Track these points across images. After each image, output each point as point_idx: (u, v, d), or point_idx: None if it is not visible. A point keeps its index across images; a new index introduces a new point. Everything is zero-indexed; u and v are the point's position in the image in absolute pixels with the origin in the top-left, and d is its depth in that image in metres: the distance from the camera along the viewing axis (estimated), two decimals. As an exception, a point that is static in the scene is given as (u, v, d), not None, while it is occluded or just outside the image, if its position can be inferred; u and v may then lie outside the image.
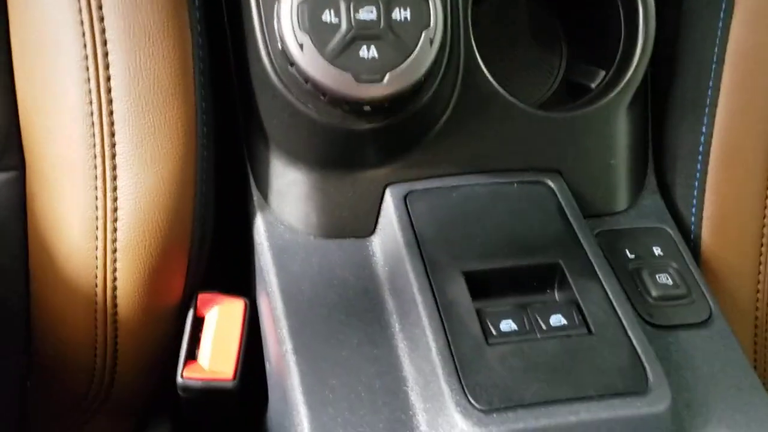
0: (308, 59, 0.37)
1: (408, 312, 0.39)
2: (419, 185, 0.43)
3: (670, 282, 0.43)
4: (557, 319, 0.37)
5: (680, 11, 0.49)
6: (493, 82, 0.44)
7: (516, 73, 0.52)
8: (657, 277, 0.43)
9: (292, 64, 0.38)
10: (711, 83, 0.47)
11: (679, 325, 0.41)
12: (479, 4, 0.50)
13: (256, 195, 0.44)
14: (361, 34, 0.37)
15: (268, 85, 0.40)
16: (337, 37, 0.37)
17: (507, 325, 0.37)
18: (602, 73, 0.49)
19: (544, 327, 0.37)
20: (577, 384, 0.35)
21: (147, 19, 0.39)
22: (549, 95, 0.52)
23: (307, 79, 0.38)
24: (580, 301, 0.39)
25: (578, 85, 0.50)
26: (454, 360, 0.36)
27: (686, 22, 0.49)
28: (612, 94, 0.45)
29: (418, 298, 0.38)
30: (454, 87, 0.43)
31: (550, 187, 0.45)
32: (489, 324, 0.37)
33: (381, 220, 0.43)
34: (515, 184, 0.44)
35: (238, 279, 0.48)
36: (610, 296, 0.39)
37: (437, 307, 0.38)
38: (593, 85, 0.49)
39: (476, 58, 0.44)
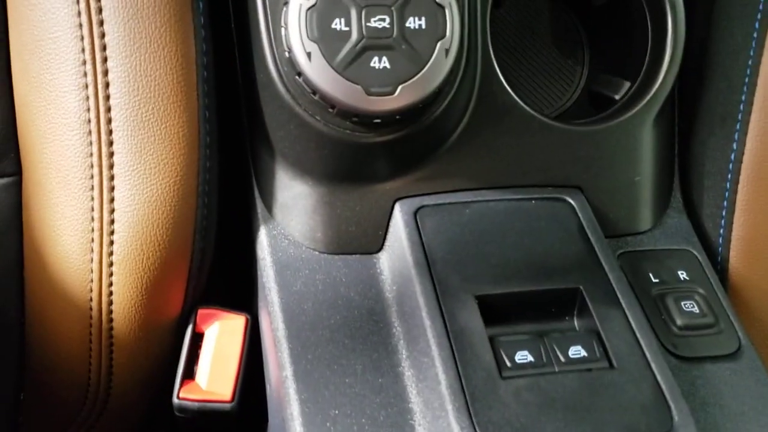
0: (316, 69, 0.35)
1: (416, 338, 0.37)
2: (430, 200, 0.42)
3: (696, 310, 0.40)
4: (577, 351, 0.35)
5: (710, 16, 0.47)
6: (511, 93, 0.42)
7: (534, 81, 0.50)
8: (682, 304, 0.40)
9: (300, 74, 0.36)
10: (743, 97, 0.45)
11: (705, 357, 0.39)
12: (497, 7, 0.48)
13: (260, 207, 0.42)
14: (373, 43, 0.35)
15: (274, 95, 0.39)
16: (348, 47, 0.35)
17: (522, 356, 0.35)
18: (627, 84, 0.46)
19: (562, 359, 0.35)
20: (598, 423, 0.33)
21: (149, 24, 0.37)
22: (569, 105, 0.50)
23: (314, 90, 0.36)
24: (601, 331, 0.37)
25: (601, 96, 0.48)
26: (464, 394, 0.33)
27: (717, 28, 0.46)
28: (637, 108, 0.43)
29: (427, 324, 0.36)
30: (470, 97, 0.41)
31: (570, 205, 0.43)
32: (503, 354, 0.35)
33: (389, 236, 0.41)
34: (533, 201, 0.42)
35: (241, 292, 0.47)
36: (633, 326, 0.37)
37: (447, 334, 0.36)
38: (617, 97, 0.46)
39: (494, 67, 0.42)
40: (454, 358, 0.35)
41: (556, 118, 0.47)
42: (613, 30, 0.48)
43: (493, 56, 0.42)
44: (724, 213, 0.45)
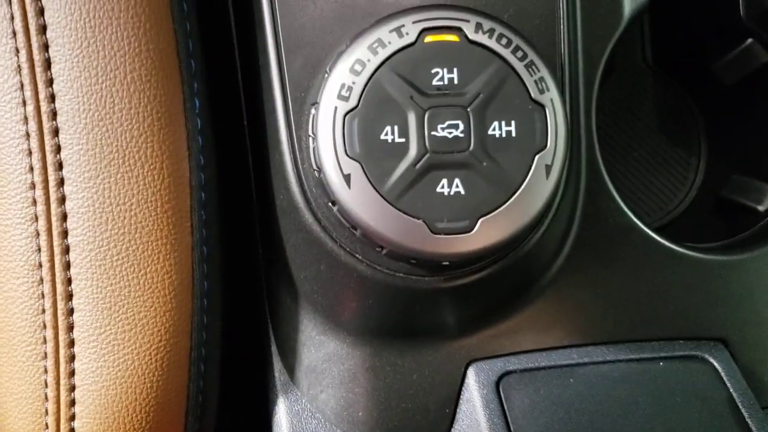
0: (358, 198, 0.26)
1: None
2: (518, 362, 0.33)
3: None
4: None
5: None
6: (628, 212, 0.33)
7: (636, 178, 0.44)
8: None
9: (334, 202, 0.26)
10: None
11: None
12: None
13: (278, 371, 0.34)
14: (441, 160, 0.26)
15: (298, 225, 0.30)
16: (404, 166, 0.26)
17: None
18: (773, 191, 0.36)
19: None
20: None
21: (122, 134, 0.28)
22: (682, 209, 0.41)
23: (355, 225, 0.26)
24: None
25: (734, 204, 0.38)
26: None
27: None
28: None
29: None
30: (572, 220, 0.32)
31: (711, 366, 0.34)
32: None
33: (461, 415, 0.32)
34: (661, 362, 0.34)
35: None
36: None
37: None
38: (761, 208, 0.36)
39: (603, 179, 0.32)
40: None
41: (665, 228, 0.40)
42: (748, 116, 0.38)
43: (602, 164, 0.31)
44: None
